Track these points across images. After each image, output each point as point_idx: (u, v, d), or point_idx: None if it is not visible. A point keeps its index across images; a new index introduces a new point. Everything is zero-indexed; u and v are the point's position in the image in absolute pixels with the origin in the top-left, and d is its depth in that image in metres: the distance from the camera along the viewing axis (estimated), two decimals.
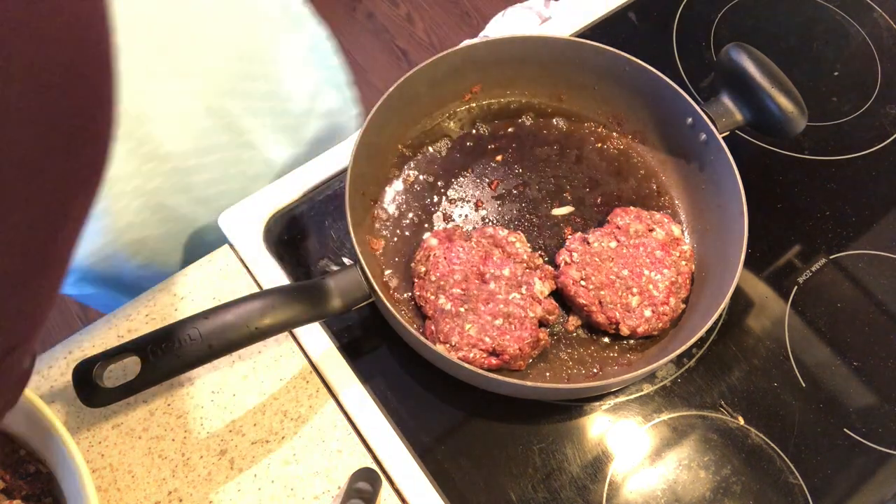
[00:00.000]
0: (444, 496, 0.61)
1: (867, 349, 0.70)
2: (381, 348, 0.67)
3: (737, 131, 0.75)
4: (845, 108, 0.84)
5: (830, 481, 0.64)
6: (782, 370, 0.68)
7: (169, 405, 0.63)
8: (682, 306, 0.67)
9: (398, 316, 0.59)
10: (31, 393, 0.53)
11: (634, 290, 0.66)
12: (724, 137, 0.69)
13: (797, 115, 0.70)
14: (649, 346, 0.66)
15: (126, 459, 0.61)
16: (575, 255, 0.67)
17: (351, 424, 0.63)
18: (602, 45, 0.73)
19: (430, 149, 0.75)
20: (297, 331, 0.66)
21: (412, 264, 0.67)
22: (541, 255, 0.69)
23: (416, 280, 0.66)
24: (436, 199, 0.72)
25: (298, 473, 0.61)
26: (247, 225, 0.71)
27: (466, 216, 0.72)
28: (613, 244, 0.68)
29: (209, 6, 0.69)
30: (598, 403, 0.66)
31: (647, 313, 0.65)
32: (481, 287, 0.65)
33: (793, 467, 0.64)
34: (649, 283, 0.66)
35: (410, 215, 0.71)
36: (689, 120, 0.71)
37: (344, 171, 0.72)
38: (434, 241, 0.67)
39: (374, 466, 0.62)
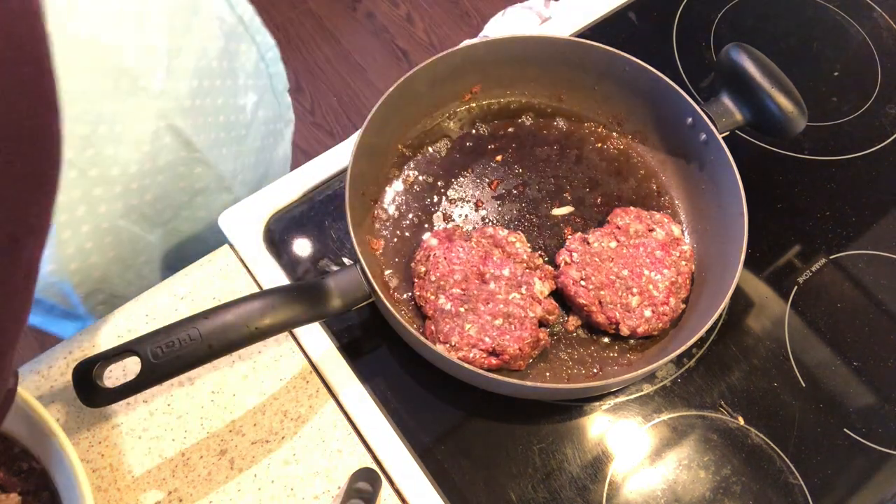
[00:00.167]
0: (444, 496, 0.61)
1: (867, 349, 0.70)
2: (381, 348, 0.67)
3: (737, 131, 0.75)
4: (845, 108, 0.84)
5: (830, 481, 0.64)
6: (782, 370, 0.68)
7: (169, 405, 0.63)
8: (682, 306, 0.67)
9: (398, 316, 0.59)
10: (25, 393, 0.53)
11: (634, 290, 0.66)
12: (724, 137, 0.69)
13: (797, 115, 0.70)
14: (649, 346, 0.66)
15: (126, 459, 0.61)
16: (575, 255, 0.67)
17: (351, 424, 0.63)
18: (602, 45, 0.73)
19: (430, 149, 0.75)
20: (297, 331, 0.66)
21: (412, 264, 0.67)
22: (541, 255, 0.69)
23: (416, 280, 0.66)
24: (436, 199, 0.72)
25: (298, 473, 0.61)
26: (247, 225, 0.71)
27: (466, 216, 0.72)
28: (613, 244, 0.68)
29: (163, 25, 0.67)
30: (598, 403, 0.66)
31: (647, 313, 0.65)
32: (481, 287, 0.65)
33: (793, 467, 0.64)
34: (649, 283, 0.66)
35: (410, 215, 0.71)
36: (689, 120, 0.71)
37: (344, 171, 0.72)
38: (434, 241, 0.67)
39: (374, 466, 0.62)
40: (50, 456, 0.55)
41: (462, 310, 0.63)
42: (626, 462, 0.64)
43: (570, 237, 0.69)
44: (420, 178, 0.73)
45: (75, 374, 0.56)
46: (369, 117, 0.66)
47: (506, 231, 0.68)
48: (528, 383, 0.61)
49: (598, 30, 0.87)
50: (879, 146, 0.82)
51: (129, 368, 0.61)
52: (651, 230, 0.69)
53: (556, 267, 0.68)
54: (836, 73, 0.87)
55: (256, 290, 0.69)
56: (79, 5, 0.60)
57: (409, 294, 0.67)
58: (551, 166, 0.75)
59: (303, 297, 0.60)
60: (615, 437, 0.65)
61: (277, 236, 0.71)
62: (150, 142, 0.68)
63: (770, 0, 0.92)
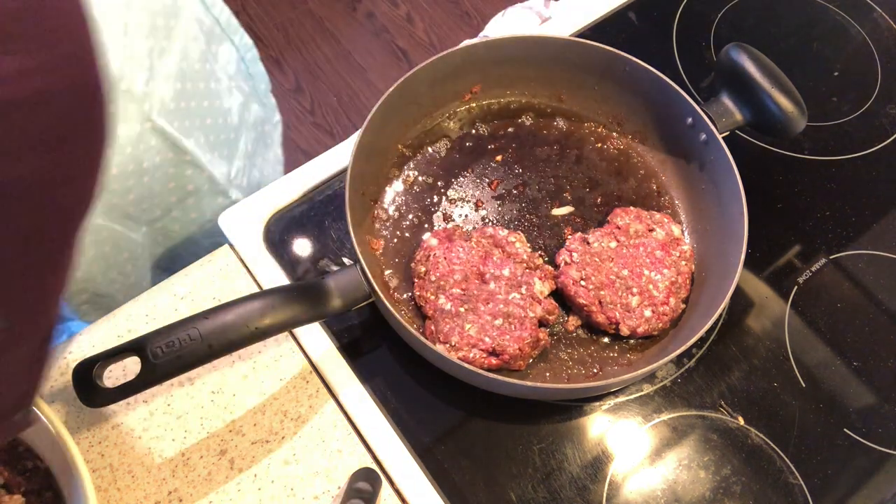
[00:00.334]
0: (444, 496, 0.61)
1: (867, 349, 0.70)
2: (381, 348, 0.67)
3: (737, 131, 0.75)
4: (845, 108, 0.84)
5: (830, 481, 0.64)
6: (782, 370, 0.68)
7: (169, 405, 0.63)
8: (682, 306, 0.67)
9: (398, 316, 0.59)
10: None
11: (634, 290, 0.66)
12: (724, 137, 0.69)
13: (797, 115, 0.70)
14: (649, 346, 0.66)
15: (126, 459, 0.61)
16: (575, 255, 0.67)
17: (351, 424, 0.63)
18: (602, 45, 0.73)
19: (430, 149, 0.75)
20: (297, 331, 0.66)
21: (412, 264, 0.67)
22: (541, 255, 0.69)
23: (416, 280, 0.66)
24: (436, 199, 0.72)
25: (298, 473, 0.61)
26: (247, 225, 0.71)
27: (466, 216, 0.72)
28: (613, 244, 0.68)
29: (145, 26, 0.67)
30: (598, 403, 0.66)
31: (647, 313, 0.65)
32: (481, 287, 0.65)
33: (793, 467, 0.64)
34: (649, 283, 0.66)
35: (410, 215, 0.71)
36: (689, 120, 0.71)
37: (344, 171, 0.72)
38: (434, 241, 0.67)
39: (374, 466, 0.62)
40: (54, 455, 0.55)
41: (462, 310, 0.63)
42: (626, 462, 0.64)
43: (570, 237, 0.69)
44: (420, 178, 0.73)
45: (75, 374, 0.56)
46: (369, 117, 0.66)
47: (506, 231, 0.68)
48: (528, 383, 0.61)
49: (598, 30, 0.87)
50: (879, 146, 0.82)
51: (129, 368, 0.61)
52: (651, 230, 0.69)
53: (556, 267, 0.68)
54: (836, 73, 0.87)
55: (256, 290, 0.69)
56: None
57: (409, 294, 0.67)
58: (551, 166, 0.75)
59: (303, 297, 0.60)
60: (615, 437, 0.65)
61: (277, 236, 0.71)
62: (133, 144, 0.68)
63: (770, 0, 0.92)
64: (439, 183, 0.73)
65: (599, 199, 0.73)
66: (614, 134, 0.77)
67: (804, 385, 0.68)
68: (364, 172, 0.68)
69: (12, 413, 0.41)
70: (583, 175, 0.75)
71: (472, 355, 0.61)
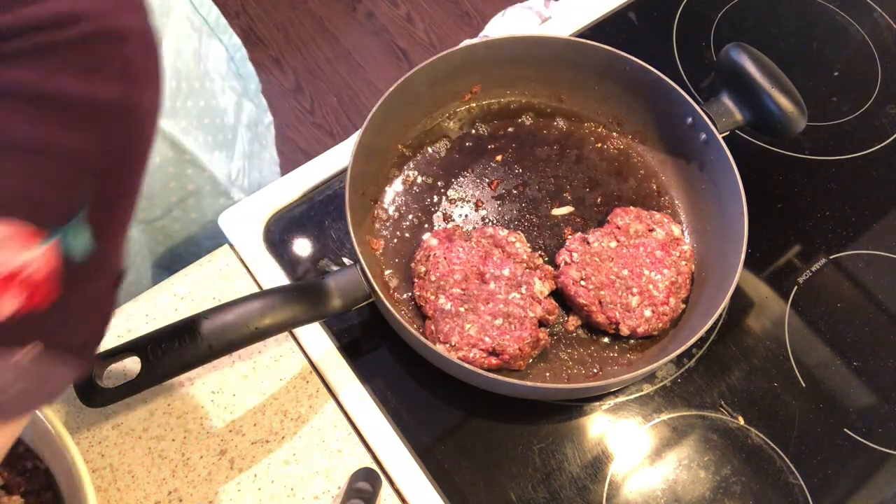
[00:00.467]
0: (444, 496, 0.61)
1: (867, 349, 0.70)
2: (381, 348, 0.67)
3: (737, 131, 0.75)
4: (845, 108, 0.84)
5: (830, 481, 0.64)
6: (782, 370, 0.68)
7: (169, 405, 0.63)
8: (682, 306, 0.67)
9: (398, 316, 0.59)
10: None
11: (634, 290, 0.66)
12: (724, 137, 0.69)
13: (797, 115, 0.70)
14: (649, 346, 0.66)
15: (126, 459, 0.61)
16: (575, 255, 0.67)
17: (351, 424, 0.63)
18: (602, 45, 0.73)
19: (430, 149, 0.75)
20: (297, 331, 0.66)
21: (412, 264, 0.67)
22: (541, 255, 0.69)
23: (416, 280, 0.66)
24: (436, 199, 0.72)
25: (298, 473, 0.61)
26: (247, 225, 0.71)
27: (466, 216, 0.72)
28: (613, 244, 0.68)
29: None
30: (598, 403, 0.66)
31: (647, 313, 0.65)
32: (481, 287, 0.65)
33: (793, 467, 0.64)
34: (649, 283, 0.66)
35: (410, 215, 0.71)
36: (689, 120, 0.71)
37: (344, 171, 0.72)
38: (434, 241, 0.67)
39: (374, 466, 0.62)
40: (53, 456, 0.55)
41: (462, 310, 0.63)
42: (626, 462, 0.64)
43: (570, 237, 0.69)
44: (420, 178, 0.73)
45: None
46: (369, 117, 0.66)
47: (506, 231, 0.68)
48: (528, 383, 0.61)
49: (598, 30, 0.87)
50: (879, 146, 0.82)
51: (129, 368, 0.61)
52: (651, 230, 0.69)
53: (556, 267, 0.68)
54: (836, 73, 0.87)
55: (256, 290, 0.69)
56: None
57: (409, 294, 0.67)
58: (551, 166, 0.75)
59: (303, 297, 0.60)
60: (615, 437, 0.65)
61: (277, 236, 0.71)
62: None
63: (770, 0, 0.92)
64: (439, 183, 0.73)
65: (599, 199, 0.73)
66: (614, 134, 0.77)
67: (804, 385, 0.68)
68: (364, 172, 0.68)
69: (90, 349, 0.42)
70: (583, 175, 0.75)
71: (472, 355, 0.61)
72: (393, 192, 0.72)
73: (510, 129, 0.77)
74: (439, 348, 0.61)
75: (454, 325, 0.63)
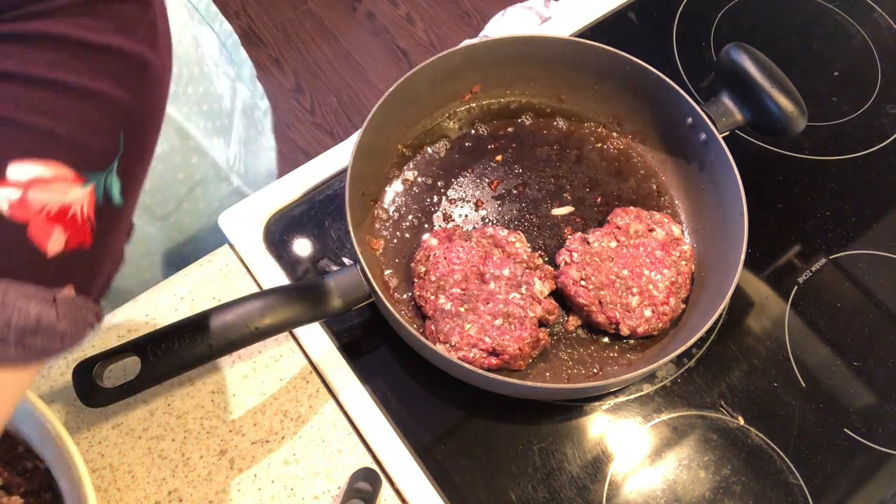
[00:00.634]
0: (444, 496, 0.61)
1: (867, 349, 0.70)
2: (381, 348, 0.67)
3: (737, 131, 0.75)
4: (845, 108, 0.84)
5: (830, 481, 0.64)
6: (782, 370, 0.68)
7: (169, 405, 0.63)
8: (682, 306, 0.67)
9: (398, 316, 0.59)
10: (29, 393, 0.53)
11: (634, 290, 0.66)
12: (724, 137, 0.69)
13: (797, 115, 0.70)
14: (649, 346, 0.66)
15: (126, 459, 0.61)
16: (575, 255, 0.67)
17: (351, 424, 0.63)
18: (602, 45, 0.73)
19: (430, 149, 0.75)
20: (297, 331, 0.66)
21: (412, 264, 0.67)
22: (541, 255, 0.69)
23: (416, 280, 0.66)
24: (436, 199, 0.72)
25: (298, 473, 0.61)
26: (247, 225, 0.71)
27: (466, 216, 0.72)
28: (613, 244, 0.68)
29: None
30: (598, 403, 0.66)
31: (647, 313, 0.65)
32: (481, 287, 0.65)
33: (793, 467, 0.64)
34: (649, 283, 0.66)
35: (410, 215, 0.71)
36: (689, 120, 0.71)
37: (344, 171, 0.72)
38: (434, 241, 0.67)
39: (374, 466, 0.62)
40: (53, 456, 0.55)
41: (462, 310, 0.63)
42: (626, 462, 0.64)
43: (570, 237, 0.69)
44: (420, 178, 0.73)
45: (75, 373, 0.56)
46: (369, 117, 0.66)
47: (506, 231, 0.68)
48: (528, 383, 0.61)
49: (598, 30, 0.87)
50: (879, 146, 0.82)
51: (129, 368, 0.61)
52: (651, 230, 0.69)
53: (556, 267, 0.68)
54: (836, 73, 0.87)
55: (256, 290, 0.69)
56: None
57: (409, 294, 0.67)
58: (551, 166, 0.75)
59: (303, 297, 0.60)
60: (615, 437, 0.65)
61: (277, 236, 0.71)
62: None
63: (770, 0, 0.92)
64: (439, 183, 0.73)
65: (599, 199, 0.73)
66: (614, 134, 0.77)
67: (804, 385, 0.68)
68: (364, 172, 0.68)
69: (99, 298, 0.43)
70: (583, 175, 0.75)
71: (472, 355, 0.61)
72: (393, 192, 0.72)
73: (510, 129, 0.77)
74: (439, 348, 0.61)
75: (454, 325, 0.63)
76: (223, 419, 0.63)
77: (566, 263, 0.67)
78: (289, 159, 1.87)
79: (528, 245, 0.68)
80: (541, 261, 0.68)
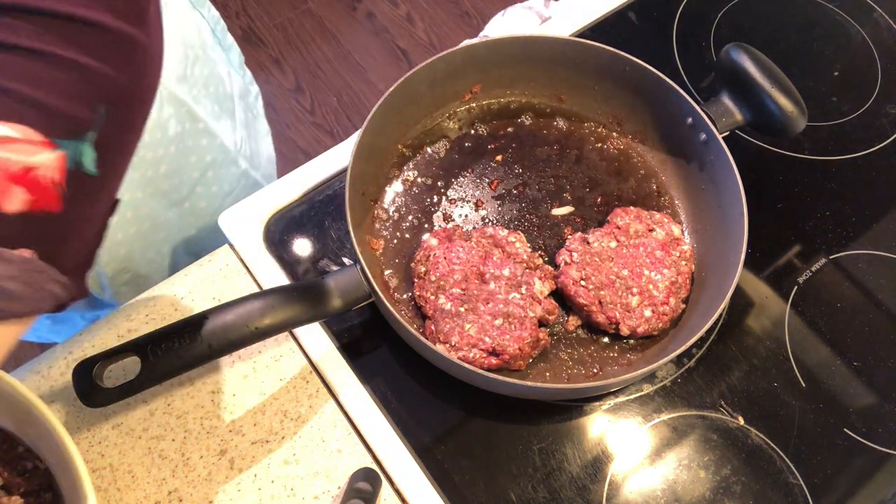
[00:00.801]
0: (444, 496, 0.61)
1: (867, 349, 0.70)
2: (381, 348, 0.67)
3: (737, 131, 0.75)
4: (845, 108, 0.84)
5: (830, 481, 0.64)
6: (782, 370, 0.68)
7: (169, 405, 0.63)
8: (682, 306, 0.67)
9: (398, 316, 0.59)
10: (29, 392, 0.53)
11: (634, 290, 0.66)
12: (724, 137, 0.69)
13: (797, 115, 0.70)
14: (649, 346, 0.66)
15: (126, 459, 0.61)
16: (575, 255, 0.67)
17: (351, 424, 0.63)
18: (602, 45, 0.73)
19: (430, 149, 0.75)
20: (297, 331, 0.66)
21: (412, 264, 0.67)
22: (541, 255, 0.69)
23: (416, 280, 0.66)
24: (436, 199, 0.72)
25: (298, 473, 0.61)
26: (247, 225, 0.71)
27: (466, 216, 0.72)
28: (613, 244, 0.68)
29: None
30: (598, 403, 0.66)
31: (647, 313, 0.65)
32: (481, 287, 0.65)
33: (793, 467, 0.64)
34: (649, 283, 0.66)
35: (410, 216, 0.71)
36: (689, 120, 0.71)
37: (344, 171, 0.72)
38: (434, 241, 0.67)
39: (374, 466, 0.62)
40: (53, 456, 0.55)
41: (462, 310, 0.63)
42: (626, 462, 0.64)
43: (570, 237, 0.69)
44: (420, 178, 0.73)
45: (75, 373, 0.56)
46: (369, 117, 0.66)
47: (506, 231, 0.68)
48: (528, 383, 0.61)
49: (598, 30, 0.87)
50: (879, 146, 0.82)
51: (129, 368, 0.61)
52: (651, 230, 0.69)
53: (556, 267, 0.68)
54: (836, 73, 0.87)
55: (256, 290, 0.69)
56: None
57: (409, 294, 0.67)
58: (551, 166, 0.75)
59: (303, 297, 0.60)
60: (615, 437, 0.65)
61: (277, 236, 0.71)
62: (156, 110, 0.70)
63: (770, 0, 0.92)
64: (439, 183, 0.73)
65: (599, 199, 0.73)
66: (614, 134, 0.77)
67: (804, 385, 0.68)
68: (364, 172, 0.68)
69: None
70: (583, 175, 0.75)
71: (472, 355, 0.61)
72: (393, 192, 0.72)
73: (510, 129, 0.77)
74: (439, 348, 0.61)
75: (454, 325, 0.63)
76: (223, 419, 0.63)
77: (566, 263, 0.67)
78: (289, 159, 1.87)
79: (528, 245, 0.68)
80: (541, 261, 0.68)
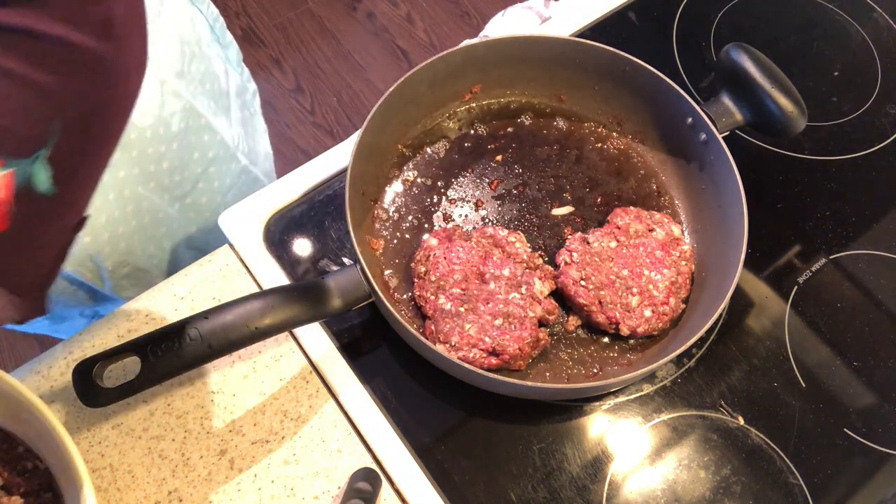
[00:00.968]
0: (444, 496, 0.61)
1: (867, 349, 0.70)
2: (381, 348, 0.67)
3: (737, 131, 0.75)
4: (845, 108, 0.84)
5: (830, 481, 0.64)
6: (782, 370, 0.68)
7: (169, 405, 0.63)
8: (682, 306, 0.67)
9: (398, 316, 0.59)
10: (29, 392, 0.53)
11: (634, 290, 0.66)
12: (724, 137, 0.69)
13: (797, 115, 0.70)
14: (649, 346, 0.66)
15: (126, 459, 0.61)
16: (575, 255, 0.67)
17: (351, 424, 0.63)
18: (602, 45, 0.73)
19: (430, 149, 0.75)
20: (297, 331, 0.66)
21: (412, 264, 0.67)
22: (541, 255, 0.69)
23: (416, 280, 0.66)
24: (436, 199, 0.72)
25: (298, 473, 0.61)
26: (247, 225, 0.71)
27: (466, 216, 0.72)
28: (613, 244, 0.68)
29: None
30: (598, 403, 0.66)
31: (647, 313, 0.65)
32: (481, 287, 0.65)
33: (793, 467, 0.64)
34: (649, 283, 0.66)
35: (410, 216, 0.71)
36: (689, 120, 0.71)
37: (344, 171, 0.72)
38: (434, 241, 0.67)
39: (374, 466, 0.62)
40: (53, 456, 0.55)
41: (462, 310, 0.63)
42: (626, 462, 0.64)
43: (570, 237, 0.69)
44: (420, 178, 0.73)
45: (75, 374, 0.56)
46: (369, 117, 0.66)
47: (506, 231, 0.68)
48: (528, 383, 0.61)
49: (598, 30, 0.87)
50: (879, 146, 0.82)
51: (129, 368, 0.61)
52: (651, 230, 0.69)
53: (556, 267, 0.68)
54: (836, 73, 0.87)
55: (256, 290, 0.69)
56: None
57: (409, 294, 0.67)
58: (551, 166, 0.75)
59: (303, 297, 0.60)
60: (615, 437, 0.65)
61: (277, 236, 0.71)
62: (159, 106, 0.70)
63: (770, 0, 0.92)
64: (439, 183, 0.73)
65: (599, 199, 0.73)
66: (614, 134, 0.77)
67: (804, 385, 0.68)
68: (364, 172, 0.68)
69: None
70: (583, 175, 0.75)
71: (472, 355, 0.61)
72: (393, 192, 0.72)
73: (510, 129, 0.77)
74: (439, 348, 0.61)
75: (454, 325, 0.63)
76: (223, 419, 0.63)
77: (566, 263, 0.67)
78: (289, 159, 1.87)
79: (528, 245, 0.68)
80: (541, 261, 0.68)
